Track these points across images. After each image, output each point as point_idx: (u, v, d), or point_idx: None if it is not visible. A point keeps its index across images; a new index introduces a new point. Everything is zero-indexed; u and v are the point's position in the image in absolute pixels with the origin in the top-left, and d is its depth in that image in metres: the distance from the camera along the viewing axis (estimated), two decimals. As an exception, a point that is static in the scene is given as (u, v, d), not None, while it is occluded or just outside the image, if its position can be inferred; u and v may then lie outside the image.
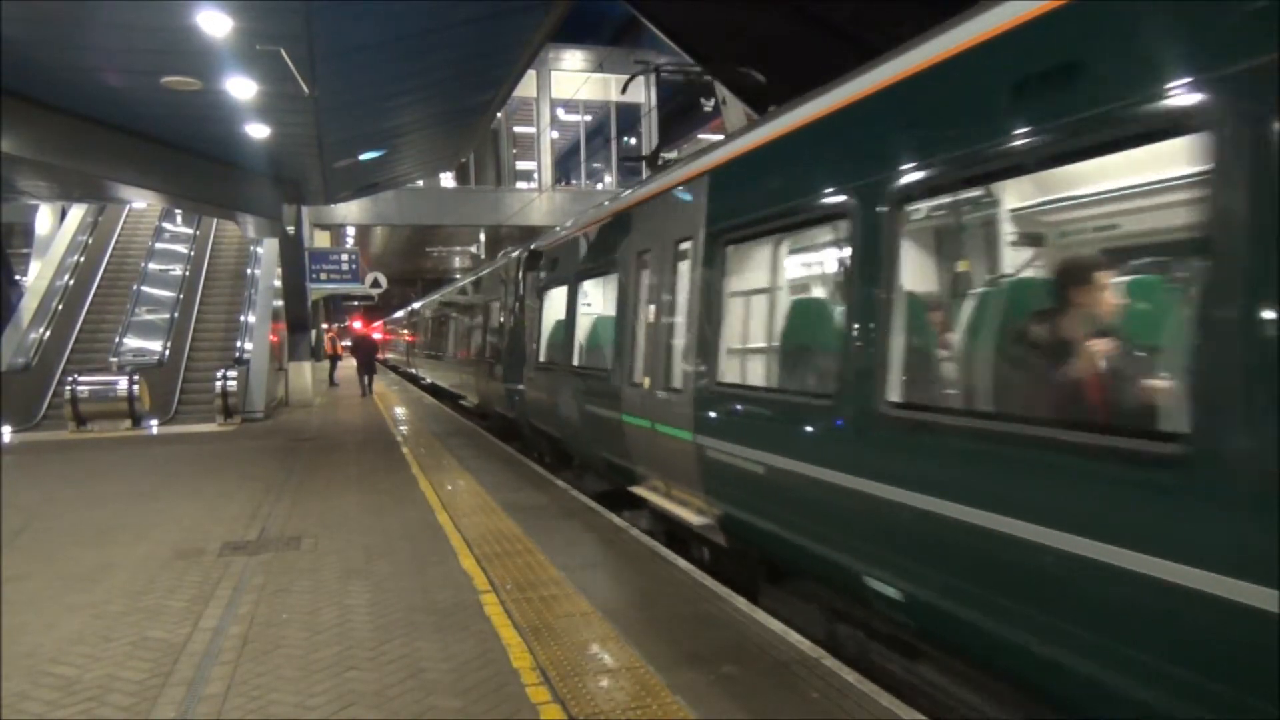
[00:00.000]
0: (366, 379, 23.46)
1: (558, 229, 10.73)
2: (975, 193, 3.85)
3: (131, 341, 18.71)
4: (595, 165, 37.52)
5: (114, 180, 14.74)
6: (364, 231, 40.89)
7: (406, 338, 34.13)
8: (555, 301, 9.81)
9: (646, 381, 6.56)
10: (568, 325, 9.05)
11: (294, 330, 20.48)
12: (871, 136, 4.04)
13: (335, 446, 12.92)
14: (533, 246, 11.30)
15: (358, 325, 44.14)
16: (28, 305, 18.95)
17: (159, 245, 22.56)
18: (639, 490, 6.94)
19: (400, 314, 40.84)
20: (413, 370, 30.27)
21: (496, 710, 3.70)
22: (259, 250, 21.90)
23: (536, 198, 32.76)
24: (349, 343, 31.55)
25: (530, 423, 11.04)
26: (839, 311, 4.27)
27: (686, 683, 3.90)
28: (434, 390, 23.78)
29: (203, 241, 23.05)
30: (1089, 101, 2.73)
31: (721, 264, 5.48)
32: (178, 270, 21.55)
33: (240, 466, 11.06)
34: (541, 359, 10.20)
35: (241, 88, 11.49)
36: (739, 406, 5.25)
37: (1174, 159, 2.66)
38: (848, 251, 4.09)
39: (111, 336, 18.61)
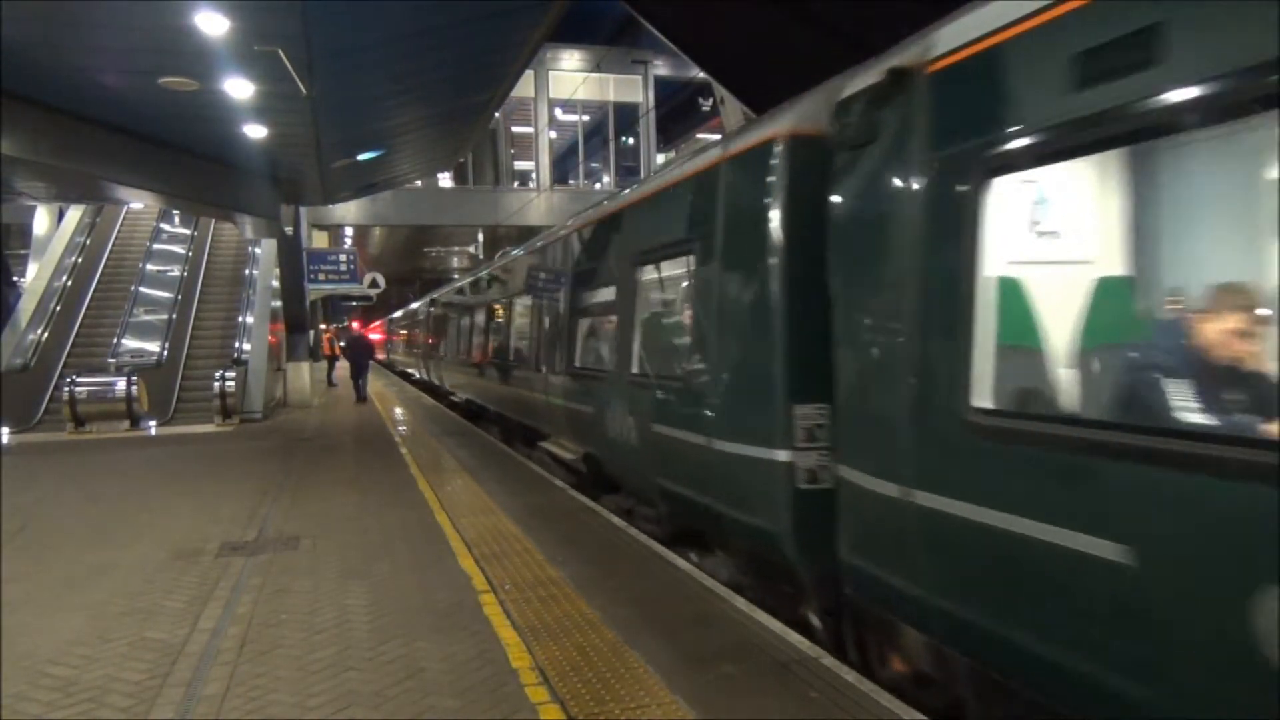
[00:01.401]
0: (361, 383, 21.39)
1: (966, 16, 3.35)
2: None
3: (130, 342, 18.67)
4: (594, 165, 37.59)
5: (111, 181, 14.72)
6: (362, 232, 40.92)
7: (429, 339, 24.49)
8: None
9: None
10: None
11: (292, 331, 20.45)
12: None
13: (334, 447, 12.91)
14: (845, 94, 4.13)
15: (355, 326, 43.81)
16: (26, 306, 18.91)
17: (157, 246, 22.49)
18: None
19: (418, 305, 30.26)
20: (437, 380, 22.63)
21: (495, 710, 3.69)
22: (257, 251, 21.84)
23: (535, 198, 32.78)
24: (343, 343, 26.30)
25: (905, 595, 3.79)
26: None
27: (686, 683, 3.89)
28: (469, 413, 17.19)
29: (200, 242, 22.99)
30: None
31: None
32: (176, 271, 21.49)
33: (239, 467, 11.04)
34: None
35: (239, 88, 11.48)
36: None
37: None
38: None
39: (110, 337, 18.57)
